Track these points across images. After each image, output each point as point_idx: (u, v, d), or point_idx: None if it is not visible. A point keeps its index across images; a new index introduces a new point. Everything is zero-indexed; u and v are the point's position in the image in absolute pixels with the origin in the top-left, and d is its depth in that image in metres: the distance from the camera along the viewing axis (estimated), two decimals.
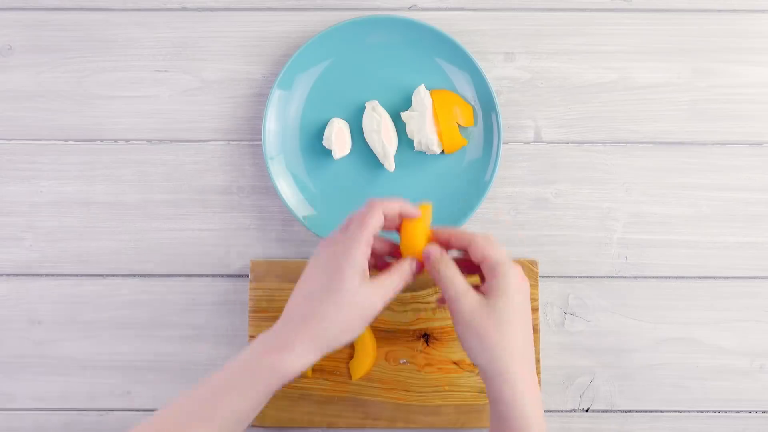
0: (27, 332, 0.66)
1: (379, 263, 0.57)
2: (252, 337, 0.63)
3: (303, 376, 0.64)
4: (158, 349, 0.66)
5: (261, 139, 0.67)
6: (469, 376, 0.64)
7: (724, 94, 0.67)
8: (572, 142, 0.67)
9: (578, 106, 0.67)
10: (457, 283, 0.53)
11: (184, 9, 0.68)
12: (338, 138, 0.64)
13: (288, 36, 0.68)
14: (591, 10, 0.68)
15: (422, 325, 0.65)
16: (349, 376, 0.64)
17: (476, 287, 0.54)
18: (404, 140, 0.66)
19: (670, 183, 0.67)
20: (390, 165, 0.65)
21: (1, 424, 0.66)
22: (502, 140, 0.65)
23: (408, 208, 0.55)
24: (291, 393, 0.64)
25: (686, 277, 0.67)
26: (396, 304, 0.65)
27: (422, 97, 0.63)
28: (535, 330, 0.64)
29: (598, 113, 0.67)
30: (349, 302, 0.51)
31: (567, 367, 0.66)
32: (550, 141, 0.67)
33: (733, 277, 0.67)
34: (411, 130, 0.64)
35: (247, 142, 0.67)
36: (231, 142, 0.67)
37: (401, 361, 0.65)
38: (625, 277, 0.67)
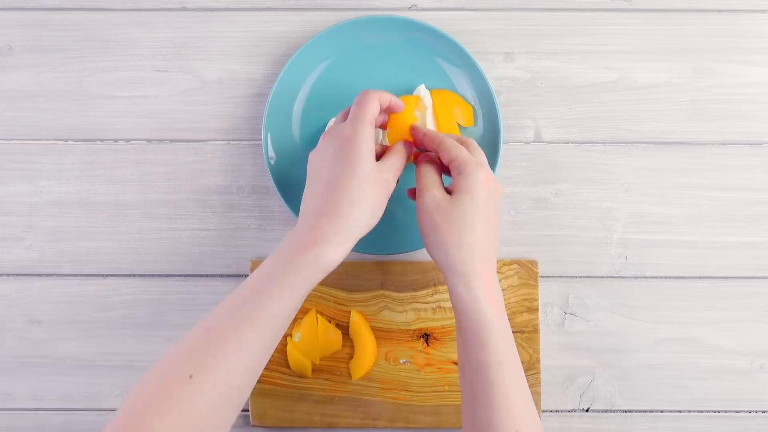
0: (27, 332, 0.66)
1: None
2: None
3: (303, 375, 0.64)
4: (158, 349, 0.66)
5: (261, 139, 0.67)
6: None
7: (724, 94, 0.67)
8: (572, 142, 0.67)
9: (578, 106, 0.67)
10: (428, 176, 0.56)
11: (184, 9, 0.68)
12: None
13: (288, 36, 0.68)
14: (591, 10, 0.68)
15: (422, 325, 0.65)
16: (349, 376, 0.64)
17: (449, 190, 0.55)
18: None
19: (670, 183, 0.67)
20: None
21: (1, 424, 0.66)
22: (502, 140, 0.65)
23: (396, 101, 0.58)
24: (291, 393, 0.64)
25: (686, 277, 0.67)
26: (396, 304, 0.65)
27: (422, 97, 0.63)
28: (535, 330, 0.65)
29: (598, 113, 0.67)
30: (372, 182, 0.53)
31: (567, 367, 0.66)
32: (550, 141, 0.67)
33: (733, 277, 0.67)
34: None
35: (247, 142, 0.67)
36: (231, 142, 0.67)
37: (401, 361, 0.65)
38: (625, 277, 0.67)
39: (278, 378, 0.64)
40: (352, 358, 0.64)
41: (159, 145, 0.67)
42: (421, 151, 0.59)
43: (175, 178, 0.67)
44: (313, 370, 0.64)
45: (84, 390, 0.66)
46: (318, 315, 0.64)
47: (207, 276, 0.67)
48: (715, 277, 0.67)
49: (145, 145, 0.67)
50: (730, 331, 0.66)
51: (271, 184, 0.66)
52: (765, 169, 0.67)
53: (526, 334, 0.65)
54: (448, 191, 0.55)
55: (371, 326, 0.65)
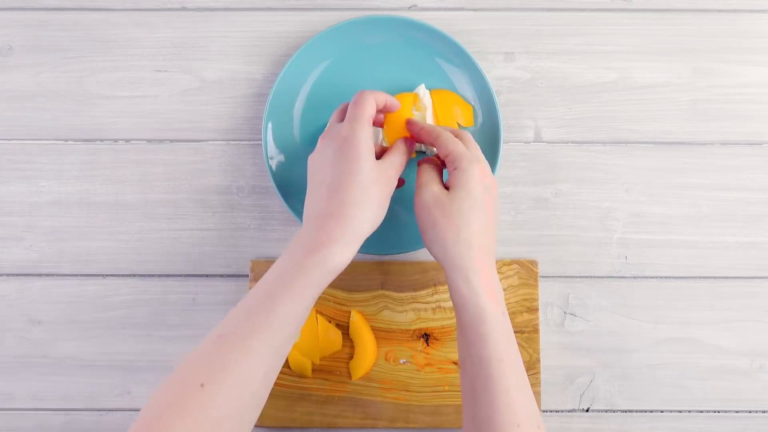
0: (27, 332, 0.66)
1: None
2: None
3: (303, 375, 0.64)
4: (158, 349, 0.66)
5: (261, 139, 0.67)
6: None
7: (724, 94, 0.67)
8: (572, 142, 0.67)
9: (578, 106, 0.67)
10: (427, 172, 0.56)
11: (184, 9, 0.68)
12: None
13: (288, 36, 0.68)
14: (591, 10, 0.68)
15: (422, 325, 0.65)
16: (349, 376, 0.64)
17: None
18: None
19: (670, 183, 0.67)
20: None
21: (1, 424, 0.66)
22: (502, 140, 0.65)
23: (392, 100, 0.58)
24: (291, 393, 0.64)
25: (686, 277, 0.67)
26: (396, 304, 0.65)
27: (422, 96, 0.63)
28: (535, 330, 0.65)
29: (598, 113, 0.67)
30: (374, 181, 0.53)
31: (567, 367, 0.66)
32: (550, 141, 0.67)
33: (733, 277, 0.67)
34: None
35: (247, 142, 0.67)
36: (231, 142, 0.67)
37: (401, 361, 0.65)
38: (625, 277, 0.67)
39: (278, 378, 0.64)
40: (352, 358, 0.64)
41: (159, 145, 0.67)
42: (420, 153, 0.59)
43: (175, 178, 0.67)
44: (313, 370, 0.64)
45: (84, 390, 0.66)
46: (318, 315, 0.64)
47: (207, 276, 0.67)
48: (715, 277, 0.67)
49: (145, 145, 0.67)
50: (730, 331, 0.66)
51: (271, 184, 0.66)
52: (765, 169, 0.67)
53: (526, 334, 0.65)
54: (447, 187, 0.55)
55: (371, 326, 0.65)
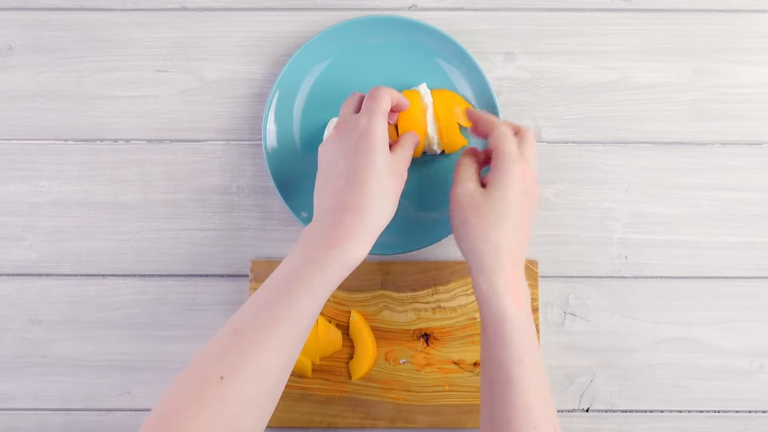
0: (27, 332, 0.66)
1: None
2: None
3: (303, 375, 0.64)
4: (158, 349, 0.66)
5: (261, 139, 0.67)
6: (469, 376, 0.64)
7: (724, 94, 0.67)
8: (572, 142, 0.67)
9: (578, 106, 0.67)
10: (465, 167, 0.56)
11: (184, 9, 0.68)
12: None
13: (288, 36, 0.68)
14: (591, 10, 0.68)
15: (422, 325, 0.65)
16: (349, 376, 0.64)
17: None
18: None
19: (670, 183, 0.67)
20: None
21: (1, 424, 0.66)
22: None
23: (403, 100, 0.59)
24: (291, 393, 0.64)
25: (686, 277, 0.67)
26: (396, 304, 0.65)
27: (423, 95, 0.63)
28: (535, 330, 0.64)
29: (598, 113, 0.67)
30: (390, 175, 0.53)
31: (567, 367, 0.66)
32: (550, 141, 0.67)
33: (733, 277, 0.67)
34: None
35: (247, 142, 0.67)
36: (231, 142, 0.67)
37: (401, 361, 0.65)
38: (625, 277, 0.67)
39: None
40: (352, 358, 0.64)
41: (159, 145, 0.67)
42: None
43: (175, 178, 0.67)
44: (313, 370, 0.64)
45: (84, 390, 0.66)
46: (318, 315, 0.64)
47: (207, 276, 0.67)
48: (715, 277, 0.67)
49: (145, 145, 0.67)
50: (730, 331, 0.66)
51: (271, 184, 0.66)
52: (765, 169, 0.67)
53: None
54: (484, 183, 0.55)
55: (371, 326, 0.65)
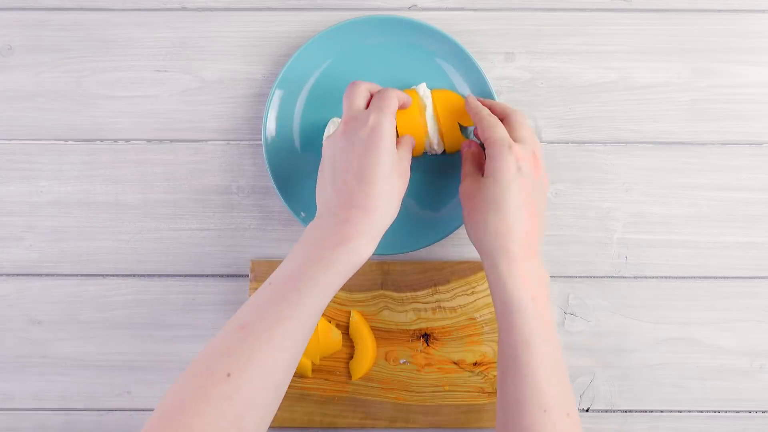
0: (27, 332, 0.66)
1: None
2: None
3: (303, 375, 0.64)
4: (158, 349, 0.66)
5: (261, 139, 0.67)
6: (469, 376, 0.64)
7: (724, 94, 0.67)
8: (572, 142, 0.67)
9: (578, 106, 0.67)
10: (467, 162, 0.59)
11: (184, 9, 0.68)
12: None
13: (288, 36, 0.68)
14: (591, 10, 0.68)
15: (422, 325, 0.65)
16: (349, 376, 0.64)
17: None
18: None
19: (670, 183, 0.67)
20: None
21: (1, 424, 0.66)
22: None
23: (407, 98, 0.59)
24: (291, 393, 0.64)
25: (686, 277, 0.67)
26: (396, 304, 0.65)
27: (422, 95, 0.63)
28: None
29: (598, 113, 0.67)
30: (398, 173, 0.54)
31: (567, 367, 0.66)
32: (550, 141, 0.67)
33: (733, 277, 0.67)
34: None
35: (247, 142, 0.67)
36: (231, 142, 0.67)
37: (401, 361, 0.65)
38: (625, 277, 0.67)
39: None
40: (352, 358, 0.64)
41: (159, 145, 0.67)
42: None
43: (175, 178, 0.67)
44: (313, 370, 0.64)
45: (84, 390, 0.66)
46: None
47: (207, 276, 0.67)
48: (715, 277, 0.67)
49: (145, 145, 0.67)
50: (730, 331, 0.66)
51: (271, 184, 0.66)
52: (765, 169, 0.67)
53: None
54: None
55: (371, 326, 0.65)
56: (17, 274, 0.67)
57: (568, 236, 0.67)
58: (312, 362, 0.64)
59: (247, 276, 0.66)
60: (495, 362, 0.64)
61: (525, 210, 0.54)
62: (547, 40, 0.68)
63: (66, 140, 0.67)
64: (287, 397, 0.64)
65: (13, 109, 0.67)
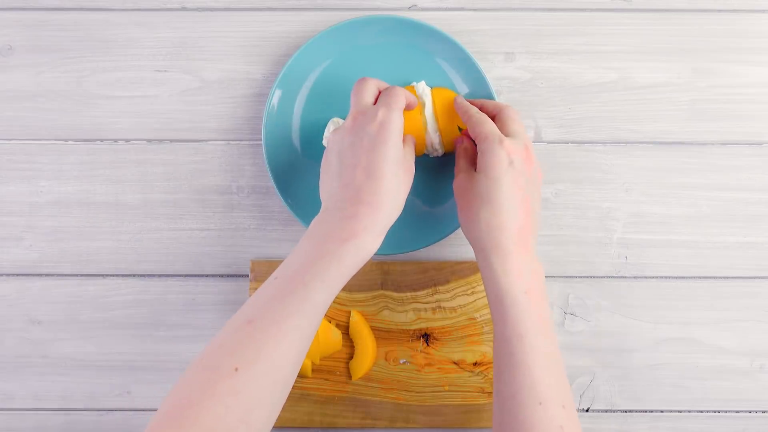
0: (27, 332, 0.66)
1: None
2: None
3: (303, 375, 0.64)
4: (158, 349, 0.66)
5: (261, 139, 0.67)
6: (469, 376, 0.64)
7: (724, 94, 0.67)
8: (572, 142, 0.67)
9: (578, 106, 0.67)
10: (459, 160, 0.59)
11: (184, 9, 0.68)
12: None
13: (288, 36, 0.68)
14: (591, 10, 0.68)
15: (422, 325, 0.65)
16: (349, 376, 0.64)
17: None
18: None
19: (670, 183, 0.67)
20: None
21: (1, 424, 0.66)
22: None
23: (413, 99, 0.59)
24: (291, 393, 0.64)
25: (686, 277, 0.67)
26: (396, 304, 0.65)
27: (421, 93, 0.63)
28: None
29: (598, 113, 0.67)
30: (404, 170, 0.55)
31: (567, 367, 0.66)
32: (550, 141, 0.67)
33: (733, 277, 0.67)
34: None
35: (247, 142, 0.67)
36: (231, 142, 0.67)
37: (401, 361, 0.65)
38: (625, 277, 0.67)
39: None
40: (352, 358, 0.64)
41: (159, 145, 0.67)
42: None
43: (175, 178, 0.67)
44: (313, 370, 0.64)
45: (84, 390, 0.66)
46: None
47: (207, 276, 0.67)
48: (715, 277, 0.67)
49: (145, 145, 0.67)
50: (730, 331, 0.66)
51: (271, 184, 0.66)
52: (765, 169, 0.67)
53: None
54: None
55: (371, 326, 0.65)
56: (17, 274, 0.67)
57: (568, 236, 0.67)
58: (312, 362, 0.64)
59: (247, 276, 0.66)
60: None
61: (518, 204, 0.54)
62: (547, 40, 0.68)
63: (66, 140, 0.67)
64: (287, 397, 0.64)
65: (13, 109, 0.67)
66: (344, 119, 0.65)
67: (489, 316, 0.64)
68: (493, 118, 0.59)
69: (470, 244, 0.56)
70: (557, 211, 0.67)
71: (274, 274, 0.51)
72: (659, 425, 0.66)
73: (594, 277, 0.67)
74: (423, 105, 0.62)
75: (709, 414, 0.66)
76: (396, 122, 0.54)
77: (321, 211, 0.54)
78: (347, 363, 0.65)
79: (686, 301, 0.66)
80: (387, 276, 0.65)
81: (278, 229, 0.67)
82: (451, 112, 0.63)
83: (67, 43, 0.67)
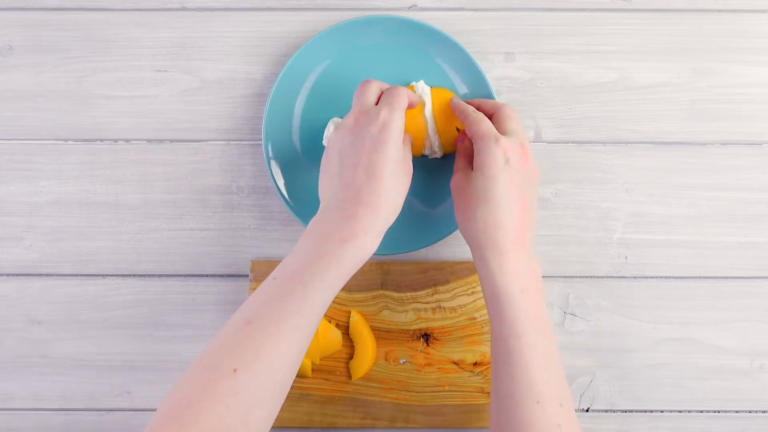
0: (27, 332, 0.66)
1: None
2: None
3: (303, 375, 0.64)
4: (158, 349, 0.66)
5: (261, 139, 0.67)
6: (469, 376, 0.64)
7: (724, 94, 0.67)
8: (572, 142, 0.67)
9: (578, 106, 0.67)
10: (459, 158, 0.59)
11: (184, 9, 0.68)
12: None
13: (288, 36, 0.68)
14: (591, 10, 0.68)
15: (422, 325, 0.65)
16: (349, 376, 0.64)
17: None
18: None
19: (670, 183, 0.67)
20: None
21: (1, 424, 0.66)
22: None
23: (416, 98, 0.60)
24: (291, 393, 0.64)
25: (686, 277, 0.67)
26: (396, 304, 0.65)
27: (420, 93, 0.63)
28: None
29: (598, 113, 0.67)
30: (404, 172, 0.55)
31: (567, 367, 0.66)
32: (550, 141, 0.67)
33: (733, 277, 0.67)
34: None
35: (247, 142, 0.67)
36: (231, 142, 0.67)
37: (401, 361, 0.65)
38: (625, 277, 0.67)
39: None
40: (352, 358, 0.64)
41: (159, 145, 0.67)
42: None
43: (175, 178, 0.67)
44: (313, 370, 0.64)
45: (84, 390, 0.66)
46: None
47: (207, 276, 0.67)
48: (715, 277, 0.67)
49: (145, 145, 0.67)
50: (730, 331, 0.66)
51: (271, 184, 0.66)
52: (765, 169, 0.67)
53: None
54: None
55: (371, 326, 0.65)
56: (17, 274, 0.67)
57: (568, 236, 0.67)
58: (312, 362, 0.64)
59: (247, 276, 0.66)
60: None
61: (514, 202, 0.54)
62: (547, 40, 0.68)
63: (66, 140, 0.67)
64: (287, 396, 0.64)
65: (13, 109, 0.67)
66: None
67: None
68: (490, 117, 0.59)
69: (467, 242, 0.56)
70: (557, 211, 0.67)
71: (272, 274, 0.51)
72: (659, 425, 0.66)
73: (594, 277, 0.67)
74: (423, 104, 0.62)
75: (709, 414, 0.66)
76: (397, 122, 0.54)
77: (320, 210, 0.54)
78: (347, 363, 0.65)
79: (686, 301, 0.66)
80: (387, 276, 0.65)
81: (278, 229, 0.67)
82: (448, 112, 0.63)
83: (67, 43, 0.67)
